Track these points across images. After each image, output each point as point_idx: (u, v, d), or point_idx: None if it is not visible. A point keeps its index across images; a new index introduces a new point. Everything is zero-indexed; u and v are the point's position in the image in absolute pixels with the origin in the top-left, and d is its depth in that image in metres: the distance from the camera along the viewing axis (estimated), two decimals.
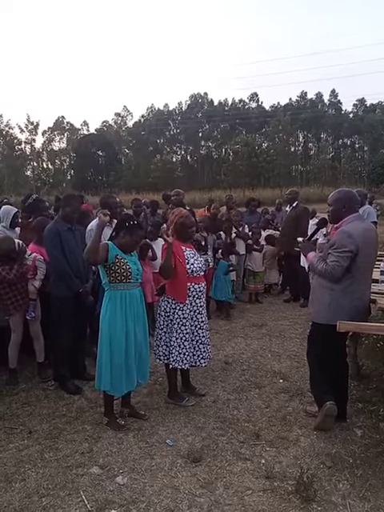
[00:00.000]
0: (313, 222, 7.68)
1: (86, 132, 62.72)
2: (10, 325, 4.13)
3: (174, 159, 61.06)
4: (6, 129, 55.66)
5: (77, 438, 3.23)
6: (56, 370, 4.11)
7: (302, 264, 3.61)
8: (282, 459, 2.97)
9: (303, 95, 63.09)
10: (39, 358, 4.28)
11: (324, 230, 5.05)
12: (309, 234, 3.78)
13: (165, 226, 5.55)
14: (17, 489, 2.70)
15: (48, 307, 4.15)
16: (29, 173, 58.02)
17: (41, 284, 4.19)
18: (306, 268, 3.50)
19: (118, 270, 3.22)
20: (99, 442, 3.18)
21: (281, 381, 4.18)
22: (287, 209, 6.99)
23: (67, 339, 3.96)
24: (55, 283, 3.97)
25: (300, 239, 3.56)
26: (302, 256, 3.55)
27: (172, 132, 65.62)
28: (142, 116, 65.85)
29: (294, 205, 6.86)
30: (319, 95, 62.96)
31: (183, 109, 64.95)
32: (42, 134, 60.60)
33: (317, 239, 4.63)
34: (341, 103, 62.64)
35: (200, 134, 63.69)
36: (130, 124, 66.71)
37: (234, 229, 6.83)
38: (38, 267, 4.20)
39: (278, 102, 64.25)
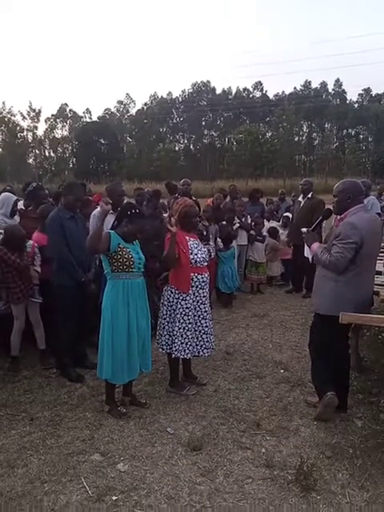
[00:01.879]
0: None
1: (88, 120, 62.28)
2: (13, 312, 4.14)
3: (177, 148, 60.72)
4: (8, 116, 55.32)
5: (78, 425, 3.25)
6: (58, 357, 4.13)
7: (305, 255, 3.59)
8: (282, 448, 2.98)
9: (307, 84, 62.40)
10: (40, 344, 4.30)
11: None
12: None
13: (167, 215, 5.53)
14: (19, 474, 2.73)
15: (47, 295, 4.16)
16: (31, 161, 57.84)
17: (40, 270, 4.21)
18: (310, 259, 3.47)
19: (121, 259, 3.21)
20: (100, 430, 3.20)
21: (282, 371, 4.20)
22: (300, 199, 6.86)
23: (69, 327, 3.97)
24: (58, 272, 3.96)
25: (304, 230, 3.54)
26: (305, 247, 3.52)
27: (175, 120, 65.08)
28: (145, 104, 65.33)
29: (309, 196, 6.71)
30: (324, 84, 62.23)
31: (186, 97, 64.33)
32: (45, 122, 60.21)
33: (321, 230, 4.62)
34: (345, 93, 61.99)
35: (203, 123, 63.18)
36: (133, 112, 66.20)
37: (237, 219, 6.80)
38: (36, 254, 4.22)
39: (283, 91, 63.65)
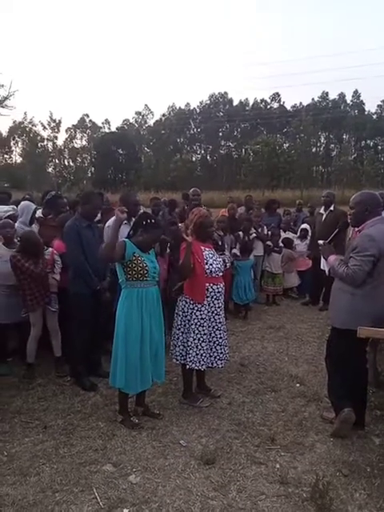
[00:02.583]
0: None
1: (107, 130, 63.25)
2: (30, 319, 4.18)
3: (194, 158, 61.06)
4: (30, 126, 56.58)
5: (91, 435, 3.25)
6: (72, 365, 4.14)
7: (322, 267, 3.54)
8: (297, 465, 2.92)
9: (325, 95, 62.24)
10: (56, 352, 4.32)
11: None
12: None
13: (182, 225, 5.53)
14: (31, 483, 2.72)
15: (64, 303, 4.19)
16: (50, 170, 58.85)
17: (59, 278, 4.24)
18: (326, 271, 3.42)
19: (135, 268, 3.21)
20: (113, 440, 3.18)
21: (297, 385, 4.12)
22: (322, 212, 6.76)
23: (84, 335, 3.98)
24: (73, 280, 3.99)
25: (321, 242, 3.50)
26: (322, 259, 3.48)
27: (192, 131, 65.58)
28: (163, 115, 66.04)
29: (331, 208, 6.56)
30: (342, 95, 61.97)
31: (204, 108, 64.83)
32: (66, 132, 61.37)
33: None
34: (364, 104, 61.56)
35: (220, 134, 63.49)
36: (151, 123, 66.99)
37: (253, 229, 6.76)
38: (56, 261, 4.25)
39: (300, 102, 63.57)
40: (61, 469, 2.86)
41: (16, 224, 4.70)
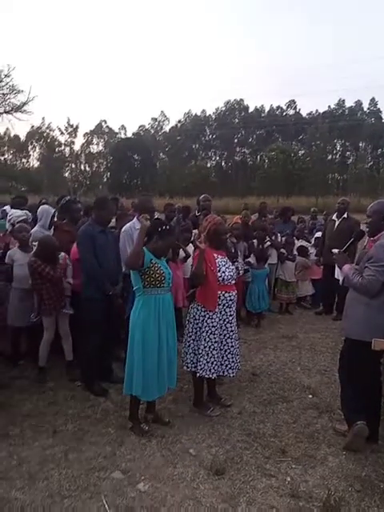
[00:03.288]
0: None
1: (123, 136, 63.85)
2: (43, 323, 4.21)
3: (209, 165, 61.24)
4: (47, 131, 57.48)
5: (100, 441, 3.24)
6: (83, 371, 4.15)
7: (336, 276, 3.49)
8: (308, 478, 2.86)
9: (341, 103, 61.92)
10: (68, 356, 4.34)
11: None
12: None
13: (196, 231, 5.53)
14: (40, 488, 2.72)
15: (77, 307, 4.22)
16: (67, 174, 59.63)
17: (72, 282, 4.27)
18: (340, 280, 3.37)
19: (153, 275, 3.21)
20: (122, 447, 3.17)
21: (310, 396, 4.06)
22: (334, 218, 6.70)
23: (96, 341, 3.99)
24: (86, 285, 4.01)
25: (335, 251, 3.45)
26: (336, 268, 3.43)
27: (207, 137, 65.78)
28: (179, 121, 66.42)
29: (345, 216, 6.54)
30: (358, 103, 61.63)
31: (220, 115, 65.03)
32: (83, 136, 62.15)
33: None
34: (381, 112, 61.05)
35: (235, 140, 63.57)
36: (167, 129, 67.42)
37: (267, 237, 6.72)
38: (68, 265, 4.29)
39: (316, 110, 63.35)
40: (70, 474, 2.85)
41: (35, 228, 4.76)
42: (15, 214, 5.12)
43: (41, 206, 5.15)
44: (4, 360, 4.46)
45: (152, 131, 67.81)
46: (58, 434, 3.32)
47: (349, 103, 61.86)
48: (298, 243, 7.33)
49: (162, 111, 67.52)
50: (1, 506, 2.54)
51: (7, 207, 6.86)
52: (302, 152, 52.43)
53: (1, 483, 2.75)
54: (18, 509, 2.52)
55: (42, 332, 4.24)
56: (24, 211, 5.23)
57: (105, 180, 60.15)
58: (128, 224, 4.52)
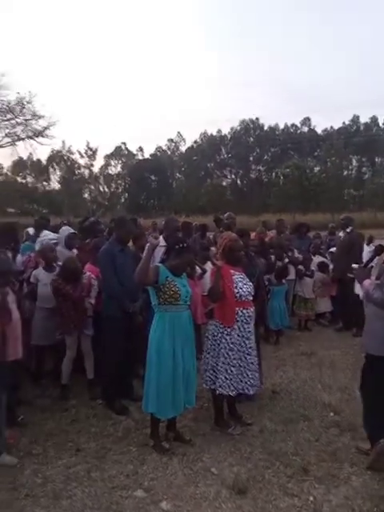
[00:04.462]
0: (369, 249, 7.42)
1: (140, 157, 64.97)
2: (66, 342, 4.30)
3: (224, 183, 61.62)
4: (67, 154, 58.91)
5: (122, 459, 3.26)
6: (104, 389, 4.19)
7: (356, 291, 3.49)
8: (331, 498, 2.82)
9: (356, 119, 61.92)
10: (89, 374, 4.40)
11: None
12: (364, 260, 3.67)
13: (214, 249, 5.59)
14: (64, 506, 2.75)
15: (98, 326, 4.29)
16: (86, 195, 60.78)
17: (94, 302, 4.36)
18: (361, 295, 3.37)
19: (168, 292, 3.27)
20: (144, 465, 3.18)
21: (331, 414, 4.00)
22: (341, 234, 6.85)
23: (116, 358, 4.04)
24: (107, 303, 4.10)
25: (355, 266, 3.46)
26: (356, 283, 3.44)
27: (223, 156, 66.40)
28: (195, 142, 67.33)
29: (348, 230, 6.74)
30: (374, 119, 61.52)
31: (235, 134, 65.71)
32: (103, 159, 63.44)
33: (372, 266, 4.48)
34: None
35: (251, 159, 63.98)
36: (183, 149, 68.36)
37: (285, 253, 6.74)
38: (92, 285, 4.38)
39: (331, 126, 63.45)
40: (93, 493, 2.88)
41: (57, 248, 4.89)
42: (48, 235, 5.24)
43: (62, 228, 5.30)
44: (27, 378, 4.54)
45: (168, 152, 68.85)
46: (81, 453, 3.36)
47: (364, 119, 61.80)
48: (315, 259, 7.32)
49: (178, 132, 68.48)
50: None
51: (30, 229, 7.02)
52: (318, 168, 52.34)
53: (27, 501, 2.79)
54: None
55: (64, 350, 4.32)
56: (56, 235, 5.35)
57: (123, 201, 61.05)
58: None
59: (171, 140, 68.64)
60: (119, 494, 2.86)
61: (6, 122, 26.48)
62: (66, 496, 2.85)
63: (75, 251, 5.05)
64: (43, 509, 2.73)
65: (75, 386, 4.47)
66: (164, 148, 68.34)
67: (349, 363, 5.33)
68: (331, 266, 7.37)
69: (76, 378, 4.48)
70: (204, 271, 5.33)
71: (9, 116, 26.24)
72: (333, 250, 7.61)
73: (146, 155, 64.51)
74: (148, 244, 3.25)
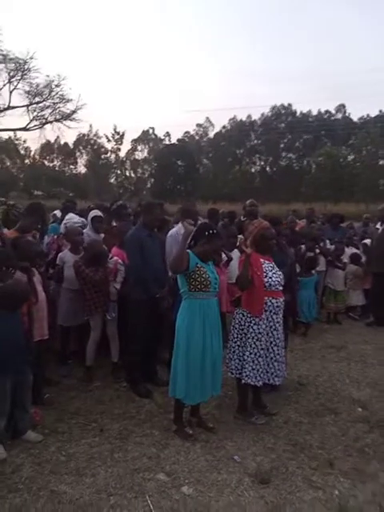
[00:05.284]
0: None
1: (167, 142, 64.71)
2: (91, 323, 4.33)
3: (253, 170, 60.76)
4: (94, 138, 59.31)
5: (145, 442, 3.27)
6: (129, 372, 4.22)
7: None
8: (357, 493, 2.75)
9: None
10: (114, 357, 4.44)
11: None
12: None
13: (241, 236, 5.49)
14: (87, 484, 2.79)
15: (124, 310, 4.30)
16: (112, 180, 61.19)
17: (120, 286, 4.35)
18: None
19: (198, 279, 3.22)
20: (167, 449, 3.19)
21: (359, 409, 3.90)
22: (378, 226, 6.53)
23: (141, 342, 4.05)
24: (133, 287, 4.09)
25: None
26: None
27: (252, 143, 65.30)
28: (224, 127, 66.41)
29: None
30: None
31: (265, 120, 64.41)
32: (130, 143, 63.54)
33: None
34: None
35: (281, 146, 62.65)
36: (211, 135, 67.59)
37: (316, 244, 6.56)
38: (119, 270, 4.37)
39: (367, 114, 61.24)
40: (115, 473, 2.90)
41: (84, 231, 4.92)
42: (73, 219, 5.27)
43: (91, 211, 5.32)
44: (53, 359, 4.62)
45: (196, 137, 68.27)
46: (105, 433, 3.39)
47: None
48: (348, 251, 7.09)
49: (207, 117, 67.67)
50: (51, 498, 2.63)
51: (57, 211, 7.11)
52: (352, 157, 50.81)
53: (51, 477, 2.84)
54: (67, 502, 2.60)
55: (90, 332, 4.36)
56: (82, 219, 5.38)
57: (149, 186, 61.15)
58: (174, 229, 4.58)
59: (200, 125, 68.01)
60: (141, 475, 2.88)
61: (35, 105, 26.63)
62: (90, 474, 2.89)
63: (102, 235, 5.06)
64: (67, 485, 2.77)
65: (100, 368, 4.51)
66: (192, 133, 67.79)
67: (380, 359, 5.17)
68: (364, 258, 7.15)
69: (101, 360, 4.52)
70: (230, 258, 5.24)
71: (37, 99, 26.37)
72: (367, 241, 7.36)
73: (173, 140, 64.19)
74: (183, 231, 3.18)
